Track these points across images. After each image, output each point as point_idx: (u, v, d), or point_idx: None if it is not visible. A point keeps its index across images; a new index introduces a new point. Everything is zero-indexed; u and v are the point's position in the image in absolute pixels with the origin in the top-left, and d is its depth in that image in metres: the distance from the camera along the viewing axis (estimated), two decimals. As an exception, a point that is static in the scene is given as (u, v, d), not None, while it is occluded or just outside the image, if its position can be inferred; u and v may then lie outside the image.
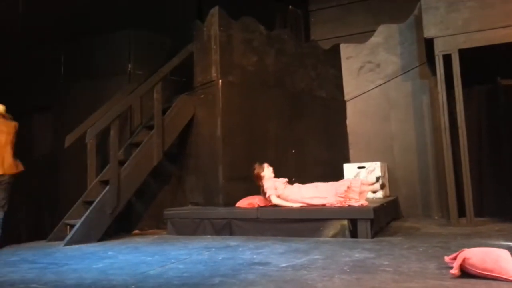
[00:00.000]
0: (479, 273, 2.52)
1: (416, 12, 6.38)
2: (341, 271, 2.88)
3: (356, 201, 4.52)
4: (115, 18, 6.25)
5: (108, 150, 5.24)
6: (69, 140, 5.52)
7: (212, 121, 5.55)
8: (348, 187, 4.57)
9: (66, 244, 4.54)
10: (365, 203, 4.51)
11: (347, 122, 6.89)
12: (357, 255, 3.41)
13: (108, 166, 5.29)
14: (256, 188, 5.45)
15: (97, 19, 6.30)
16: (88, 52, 6.40)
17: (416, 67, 6.46)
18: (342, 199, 4.54)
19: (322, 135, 6.53)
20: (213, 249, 3.95)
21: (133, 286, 2.67)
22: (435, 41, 5.39)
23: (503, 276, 2.45)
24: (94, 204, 4.86)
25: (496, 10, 5.12)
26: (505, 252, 2.60)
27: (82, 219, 4.76)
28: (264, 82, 5.99)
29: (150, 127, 5.65)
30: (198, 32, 5.93)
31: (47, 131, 6.66)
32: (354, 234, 4.30)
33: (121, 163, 5.25)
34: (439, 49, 5.37)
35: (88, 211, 4.83)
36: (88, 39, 6.35)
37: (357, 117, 6.85)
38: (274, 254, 3.57)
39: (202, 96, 5.77)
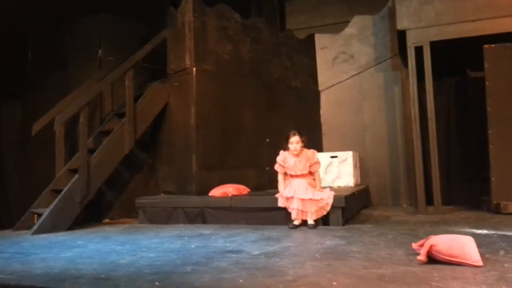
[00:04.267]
0: (445, 259, 2.59)
1: (389, 3, 6.46)
2: (313, 258, 2.91)
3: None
4: (85, 2, 6.06)
5: (77, 138, 5.11)
6: (36, 127, 5.37)
7: (186, 110, 5.49)
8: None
9: (34, 233, 4.42)
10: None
11: (321, 112, 6.94)
12: (328, 242, 3.46)
13: (77, 154, 5.17)
14: (230, 176, 5.45)
15: (66, 3, 6.08)
16: (56, 37, 6.19)
17: (389, 58, 6.56)
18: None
19: (296, 125, 6.53)
20: (186, 238, 3.92)
21: (103, 275, 2.62)
22: (408, 33, 5.48)
23: (468, 262, 2.53)
24: (63, 192, 4.74)
25: (467, 3, 5.24)
26: (469, 239, 2.68)
27: (51, 207, 4.64)
28: (239, 71, 5.95)
29: (121, 115, 5.53)
30: (171, 18, 5.81)
31: (16, 118, 6.45)
32: (326, 221, 4.35)
33: (91, 151, 5.14)
34: (411, 41, 5.46)
35: (57, 199, 4.71)
36: (57, 24, 6.14)
37: (330, 107, 6.91)
38: (247, 242, 3.58)
39: (176, 84, 5.69)
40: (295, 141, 4.53)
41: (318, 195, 4.31)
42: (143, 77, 6.17)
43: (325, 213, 4.32)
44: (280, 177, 4.66)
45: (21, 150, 6.15)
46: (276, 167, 4.67)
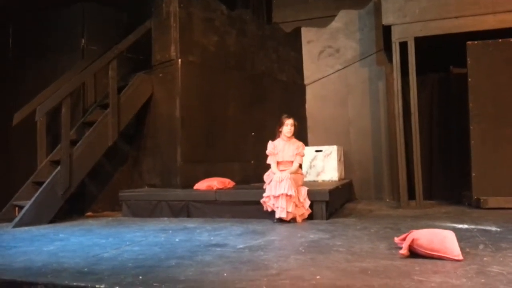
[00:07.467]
0: (427, 253, 2.63)
1: (375, -2, 6.48)
2: (297, 252, 2.93)
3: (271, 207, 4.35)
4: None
5: (60, 129, 5.03)
6: (17, 118, 5.27)
7: (171, 101, 5.44)
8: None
9: (15, 226, 4.36)
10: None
11: (306, 106, 6.96)
12: (312, 236, 3.48)
13: (59, 146, 5.08)
14: (215, 170, 5.44)
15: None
16: (38, 25, 6.05)
17: (374, 53, 6.59)
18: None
19: (281, 118, 6.56)
20: (170, 231, 3.91)
21: (85, 269, 2.60)
22: (393, 29, 5.51)
23: (448, 256, 2.58)
24: (44, 184, 4.67)
25: (451, 0, 5.29)
26: (450, 233, 2.73)
27: (32, 200, 4.57)
28: (224, 63, 5.91)
29: (105, 106, 5.46)
30: (156, 8, 5.73)
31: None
32: (310, 215, 4.38)
33: (74, 143, 5.06)
34: (396, 37, 5.50)
35: (39, 192, 4.64)
36: (39, 12, 5.99)
37: (316, 101, 6.93)
38: (232, 236, 3.58)
39: (161, 75, 5.62)
40: (290, 123, 4.55)
41: (299, 195, 4.30)
42: (127, 68, 6.09)
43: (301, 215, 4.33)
44: (273, 165, 4.54)
45: (2, 141, 6.01)
46: (269, 159, 4.57)
